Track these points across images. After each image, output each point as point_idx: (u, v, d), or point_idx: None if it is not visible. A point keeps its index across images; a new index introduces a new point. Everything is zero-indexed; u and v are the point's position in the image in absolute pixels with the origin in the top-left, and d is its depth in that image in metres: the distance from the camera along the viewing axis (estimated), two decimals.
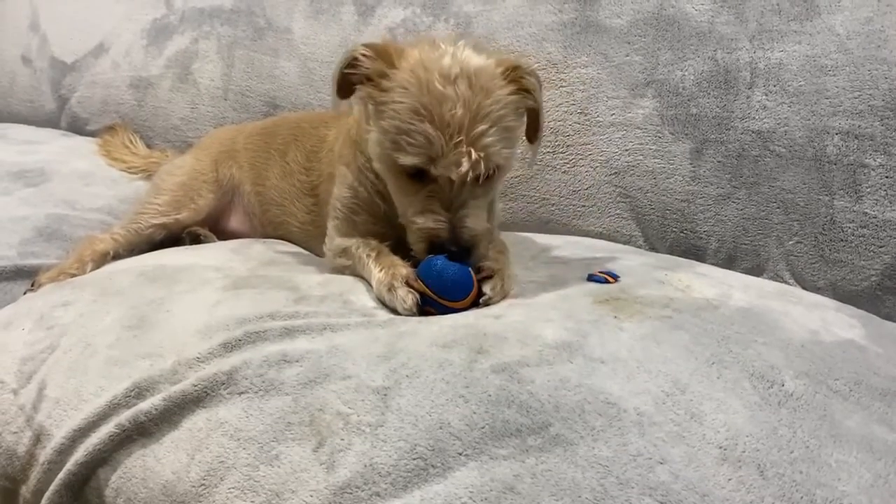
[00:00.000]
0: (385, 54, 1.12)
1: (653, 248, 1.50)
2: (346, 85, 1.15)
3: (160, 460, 0.93)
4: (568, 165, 1.56)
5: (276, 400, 0.92)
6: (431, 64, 1.09)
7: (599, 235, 1.54)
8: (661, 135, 1.46)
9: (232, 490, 0.86)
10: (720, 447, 0.80)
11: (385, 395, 0.88)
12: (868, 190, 1.27)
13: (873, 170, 1.27)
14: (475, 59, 1.11)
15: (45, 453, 1.00)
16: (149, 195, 1.67)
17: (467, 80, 1.06)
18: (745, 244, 1.40)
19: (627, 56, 1.50)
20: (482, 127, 1.05)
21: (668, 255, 1.43)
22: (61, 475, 0.98)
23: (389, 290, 1.09)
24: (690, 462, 0.78)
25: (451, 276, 1.08)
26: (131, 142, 2.16)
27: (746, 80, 1.38)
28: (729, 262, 1.41)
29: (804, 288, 1.32)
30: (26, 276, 1.46)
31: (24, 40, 2.52)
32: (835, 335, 1.04)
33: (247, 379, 0.95)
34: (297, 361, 0.96)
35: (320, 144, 1.49)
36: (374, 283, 1.13)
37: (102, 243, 1.49)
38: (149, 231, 1.57)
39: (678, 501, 0.74)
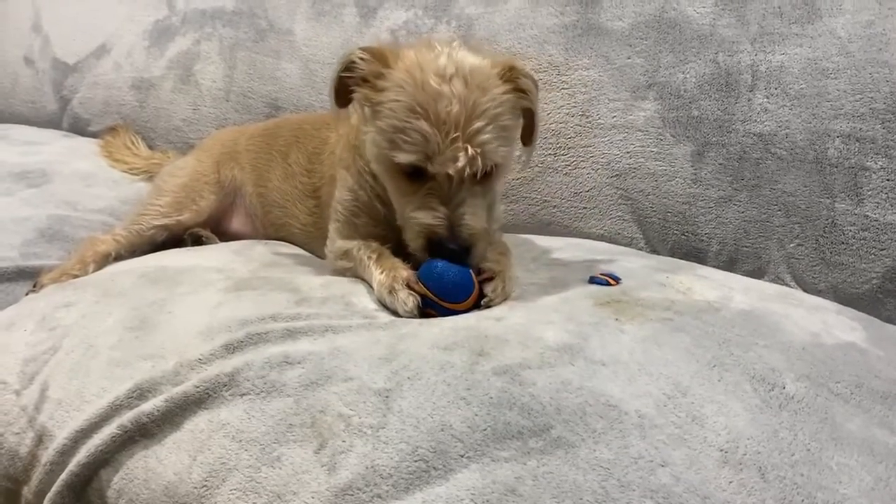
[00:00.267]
0: (381, 56, 1.12)
1: (654, 251, 1.50)
2: (343, 90, 1.16)
3: (162, 461, 0.93)
4: (569, 167, 1.56)
5: (278, 401, 0.92)
6: (427, 64, 1.09)
7: (601, 237, 1.54)
8: (662, 137, 1.46)
9: (234, 491, 0.86)
10: (721, 450, 0.80)
11: (386, 397, 0.88)
12: (869, 193, 1.28)
13: (874, 173, 1.27)
14: (471, 59, 1.12)
15: (47, 454, 1.01)
16: (150, 196, 1.67)
17: (463, 78, 1.07)
18: (746, 247, 1.40)
19: (629, 58, 1.50)
20: (478, 124, 1.06)
21: (670, 258, 1.43)
22: (63, 476, 0.98)
23: (390, 292, 1.09)
24: (692, 465, 0.78)
25: (451, 277, 1.09)
26: (133, 143, 2.16)
27: (748, 82, 1.38)
28: (730, 265, 1.42)
29: (805, 290, 1.32)
30: (28, 277, 1.46)
31: (27, 41, 2.52)
32: (836, 338, 1.04)
33: (248, 380, 0.95)
34: (298, 363, 0.96)
35: (322, 146, 1.49)
36: (374, 286, 1.13)
37: (104, 244, 1.49)
38: (150, 232, 1.57)
39: None
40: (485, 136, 1.06)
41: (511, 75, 1.12)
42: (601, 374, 0.89)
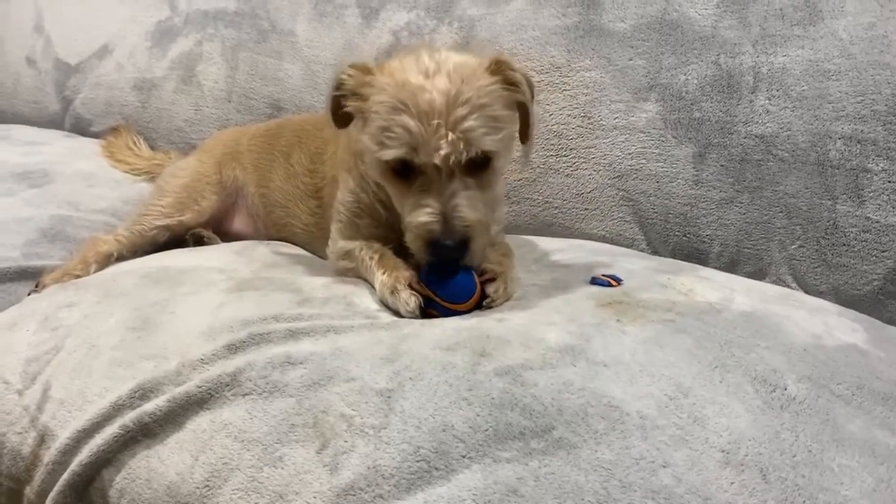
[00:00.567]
0: (365, 69, 1.14)
1: (655, 252, 1.50)
2: (339, 109, 1.17)
3: (164, 461, 0.93)
4: (571, 169, 1.56)
5: (280, 402, 0.92)
6: (409, 65, 1.11)
7: (602, 239, 1.54)
8: (664, 139, 1.46)
9: (236, 491, 0.86)
10: (723, 451, 0.80)
11: (388, 397, 0.88)
12: (870, 195, 1.28)
13: (876, 174, 1.27)
14: (455, 57, 1.12)
15: (49, 454, 1.01)
16: (152, 197, 1.67)
17: (446, 74, 1.07)
18: (747, 248, 1.40)
19: (631, 60, 1.50)
20: (461, 111, 1.05)
21: (671, 259, 1.43)
22: (65, 476, 0.98)
23: (392, 292, 1.10)
24: (693, 466, 0.78)
25: (453, 278, 1.09)
26: (135, 143, 2.16)
27: (749, 84, 1.38)
28: (731, 266, 1.42)
29: (806, 292, 1.32)
30: (30, 278, 1.46)
31: (29, 42, 2.53)
32: (837, 339, 1.04)
33: (251, 381, 0.95)
34: (300, 363, 0.96)
35: (324, 147, 1.50)
36: (377, 286, 1.14)
37: (106, 245, 1.49)
38: (152, 233, 1.58)
39: None
40: (468, 123, 1.05)
41: (498, 68, 1.12)
42: (603, 375, 0.89)
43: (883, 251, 1.27)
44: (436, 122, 1.04)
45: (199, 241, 1.61)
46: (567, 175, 1.57)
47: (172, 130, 2.19)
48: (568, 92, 1.57)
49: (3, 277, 1.45)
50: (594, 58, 1.54)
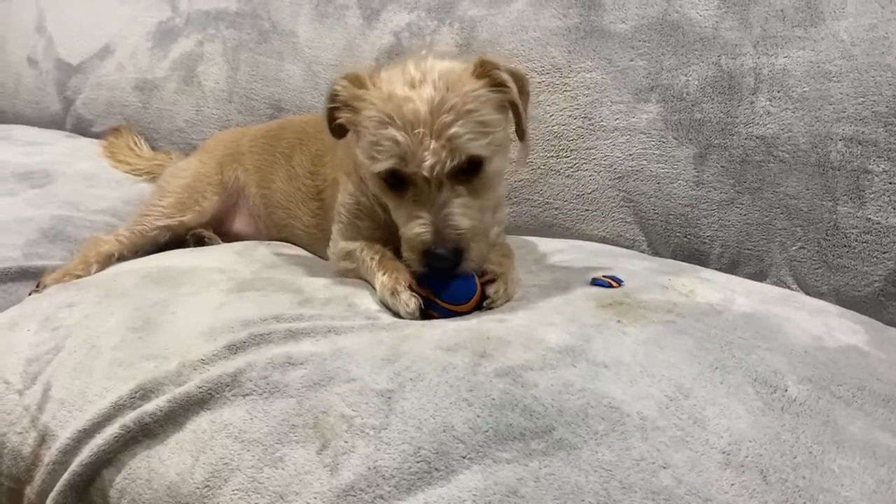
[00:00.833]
0: (358, 80, 1.14)
1: (656, 253, 1.50)
2: (335, 121, 1.18)
3: (164, 462, 0.93)
4: (571, 169, 1.56)
5: (281, 402, 0.92)
6: (396, 76, 1.11)
7: (603, 240, 1.54)
8: (664, 140, 1.46)
9: (236, 492, 0.86)
10: (723, 452, 0.80)
11: (389, 398, 0.88)
12: (871, 196, 1.28)
13: (877, 176, 1.27)
14: (441, 64, 1.12)
15: (49, 454, 1.01)
16: (153, 197, 1.67)
17: (431, 83, 1.07)
18: (748, 249, 1.40)
19: (631, 61, 1.50)
20: (446, 119, 1.05)
21: (672, 260, 1.43)
22: (66, 476, 0.98)
23: (392, 293, 1.10)
24: (693, 467, 0.78)
25: (453, 279, 1.09)
26: (136, 144, 2.16)
27: (750, 85, 1.38)
28: (732, 267, 1.42)
29: (807, 293, 1.32)
30: (31, 278, 1.46)
31: (30, 42, 2.53)
32: (838, 341, 1.04)
33: (251, 381, 0.95)
34: (301, 364, 0.96)
35: (325, 149, 1.50)
36: (377, 287, 1.14)
37: (107, 245, 1.49)
38: (153, 233, 1.58)
39: None
40: (453, 130, 1.05)
41: (484, 70, 1.11)
42: (603, 375, 0.89)
43: (884, 252, 1.27)
44: (421, 132, 1.04)
45: (200, 242, 1.61)
46: (568, 176, 1.57)
47: (173, 131, 2.20)
48: (569, 93, 1.57)
49: (4, 277, 1.46)
50: (595, 59, 1.54)
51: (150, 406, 0.97)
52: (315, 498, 0.82)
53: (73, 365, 1.08)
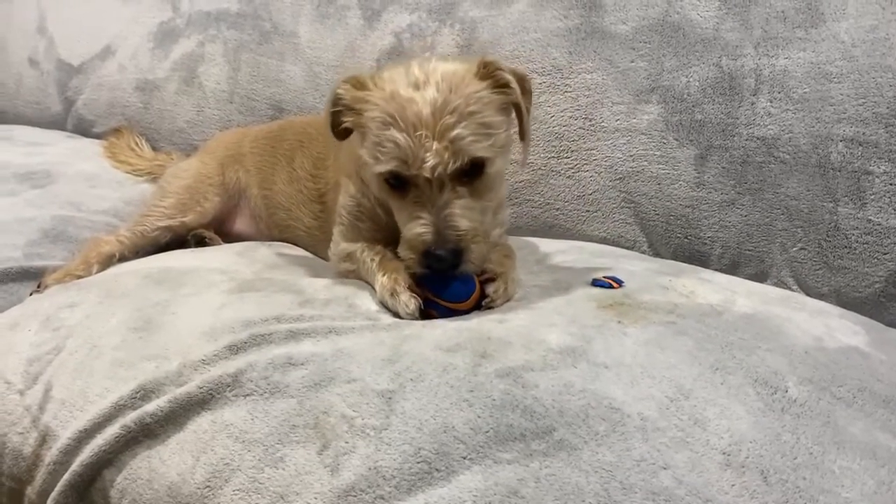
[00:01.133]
0: (360, 83, 1.14)
1: (657, 254, 1.50)
2: (338, 124, 1.18)
3: (165, 462, 0.93)
4: (572, 171, 1.56)
5: (281, 402, 0.92)
6: (399, 77, 1.11)
7: (603, 240, 1.54)
8: (665, 141, 1.46)
9: (237, 492, 0.86)
10: (724, 453, 0.80)
11: (389, 398, 0.88)
12: (872, 197, 1.28)
13: (877, 177, 1.27)
14: (444, 66, 1.12)
15: (50, 454, 1.01)
16: (154, 198, 1.67)
17: (434, 84, 1.07)
18: (748, 250, 1.40)
19: (632, 62, 1.50)
20: (448, 121, 1.05)
21: (672, 261, 1.43)
22: (67, 476, 0.98)
23: (392, 294, 1.10)
24: (694, 467, 0.78)
25: (453, 279, 1.09)
26: (137, 144, 2.17)
27: (751, 86, 1.38)
28: (733, 268, 1.42)
29: (808, 294, 1.32)
30: (32, 278, 1.46)
31: (32, 42, 2.53)
32: (838, 342, 1.04)
33: (252, 381, 0.95)
34: (301, 364, 0.96)
35: (327, 152, 1.50)
36: (377, 288, 1.14)
37: (108, 245, 1.49)
38: (154, 233, 1.58)
39: None
40: (456, 132, 1.05)
41: (487, 71, 1.11)
42: (604, 376, 0.89)
43: (884, 253, 1.27)
44: (423, 133, 1.05)
45: (201, 242, 1.61)
46: (568, 177, 1.57)
47: (174, 131, 2.20)
48: (569, 94, 1.57)
49: (5, 278, 1.46)
50: (596, 60, 1.54)
51: (151, 406, 0.97)
52: (316, 498, 0.82)
53: (74, 365, 1.08)
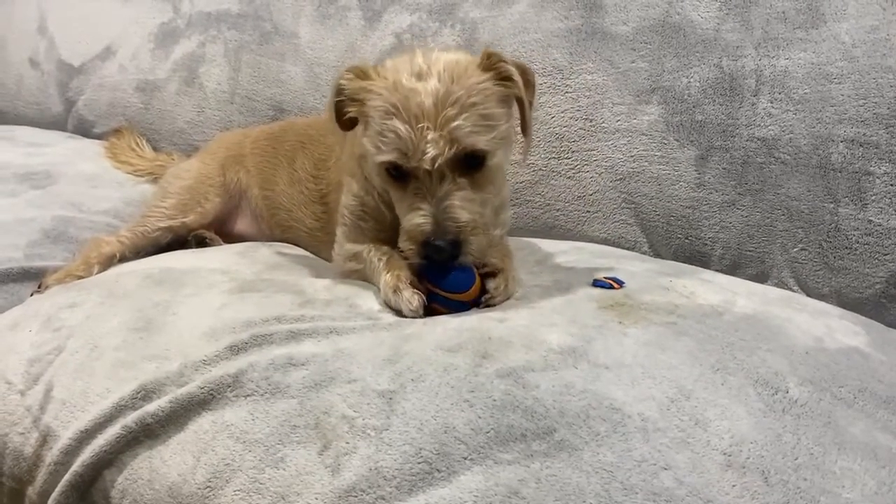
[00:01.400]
0: (363, 73, 1.15)
1: (657, 255, 1.50)
2: (342, 115, 1.18)
3: (166, 462, 0.93)
4: (573, 171, 1.56)
5: (282, 403, 0.92)
6: (402, 67, 1.11)
7: (604, 241, 1.54)
8: (666, 141, 1.46)
9: (237, 492, 0.86)
10: (724, 453, 0.80)
11: (390, 398, 0.88)
12: (873, 198, 1.28)
13: (878, 178, 1.27)
14: (447, 56, 1.12)
15: (51, 454, 1.01)
16: (155, 198, 1.68)
17: (437, 74, 1.07)
18: (749, 251, 1.40)
19: (633, 63, 1.50)
20: (450, 112, 1.05)
21: (673, 262, 1.43)
22: (67, 476, 0.98)
23: (395, 291, 1.10)
24: (695, 468, 0.78)
25: (452, 270, 1.09)
26: (137, 145, 2.17)
27: (752, 87, 1.38)
28: (733, 269, 1.42)
29: (808, 295, 1.32)
30: (33, 278, 1.46)
31: (32, 43, 2.53)
32: (839, 342, 1.04)
33: (252, 382, 0.95)
34: (302, 365, 0.96)
35: (328, 153, 1.50)
36: (380, 286, 1.14)
37: (109, 246, 1.49)
38: (155, 234, 1.58)
39: None
40: (457, 123, 1.05)
41: (490, 63, 1.12)
42: (604, 377, 0.89)
43: (885, 254, 1.27)
44: (424, 125, 1.05)
45: (202, 243, 1.61)
46: (569, 177, 1.57)
47: (175, 132, 2.20)
48: (570, 94, 1.57)
49: (6, 278, 1.46)
50: (596, 60, 1.54)
51: (152, 406, 0.97)
52: (316, 499, 0.82)
53: (75, 365, 1.08)
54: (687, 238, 1.46)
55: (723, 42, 1.42)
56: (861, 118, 1.28)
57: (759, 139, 1.37)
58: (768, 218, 1.37)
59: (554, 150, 1.58)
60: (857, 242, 1.29)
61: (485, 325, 1.02)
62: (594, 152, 1.54)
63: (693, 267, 1.36)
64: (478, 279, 1.11)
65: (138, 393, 0.99)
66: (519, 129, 1.21)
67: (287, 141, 1.62)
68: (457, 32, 1.71)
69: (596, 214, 1.55)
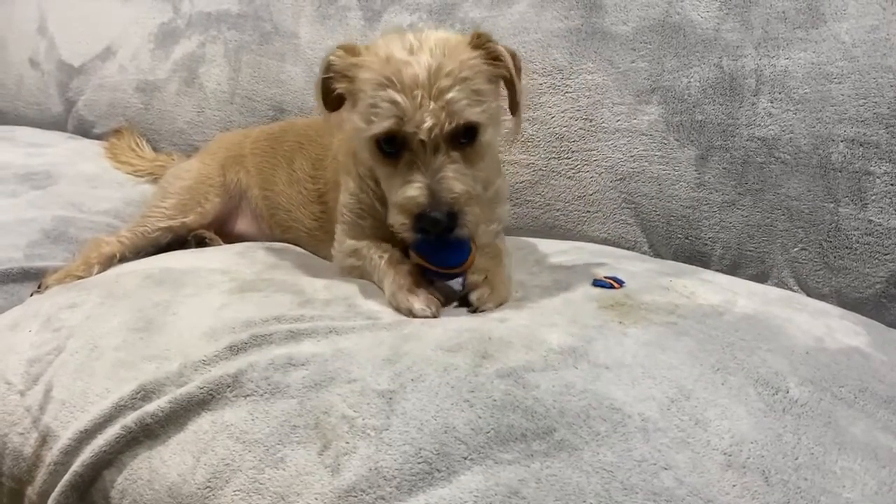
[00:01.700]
0: (352, 49, 1.16)
1: (657, 255, 1.50)
2: (330, 93, 1.18)
3: (166, 462, 0.93)
4: (573, 171, 1.56)
5: (282, 403, 0.92)
6: (393, 42, 1.12)
7: (604, 241, 1.54)
8: (666, 141, 1.46)
9: (237, 493, 0.86)
10: (725, 453, 0.80)
11: (390, 398, 0.88)
12: (873, 198, 1.27)
13: (878, 177, 1.27)
14: (437, 34, 1.13)
15: (51, 454, 1.01)
16: (155, 199, 1.68)
17: (429, 49, 1.08)
18: (749, 251, 1.40)
19: (633, 62, 1.50)
20: (444, 83, 1.06)
21: (673, 262, 1.43)
22: (67, 476, 0.98)
23: (403, 290, 1.10)
24: (695, 468, 0.78)
25: (447, 245, 1.10)
26: (138, 145, 2.17)
27: (752, 87, 1.38)
28: (733, 269, 1.42)
29: (809, 295, 1.32)
30: (33, 278, 1.46)
31: (32, 43, 2.53)
32: (839, 342, 1.04)
33: (252, 382, 0.95)
34: (302, 365, 0.96)
35: (325, 153, 1.50)
36: (386, 286, 1.14)
37: (109, 246, 1.49)
38: (155, 234, 1.58)
39: None
40: (451, 94, 1.06)
41: (479, 41, 1.13)
42: (605, 377, 0.89)
43: (885, 254, 1.27)
44: (420, 93, 1.05)
45: (202, 243, 1.61)
46: (569, 177, 1.57)
47: (175, 132, 2.20)
48: (570, 94, 1.57)
49: (6, 278, 1.46)
50: (596, 60, 1.54)
51: (152, 406, 0.97)
52: (316, 499, 0.82)
53: (75, 366, 1.08)
54: (687, 238, 1.46)
55: (723, 42, 1.42)
56: (861, 118, 1.28)
57: (759, 139, 1.37)
58: (768, 218, 1.37)
59: (554, 150, 1.58)
60: (858, 242, 1.29)
61: (485, 326, 1.02)
62: (594, 152, 1.54)
63: (693, 267, 1.36)
64: (473, 249, 1.11)
65: (138, 393, 0.99)
66: (507, 109, 1.21)
67: (286, 141, 1.62)
68: (457, 33, 1.71)
69: (596, 214, 1.55)
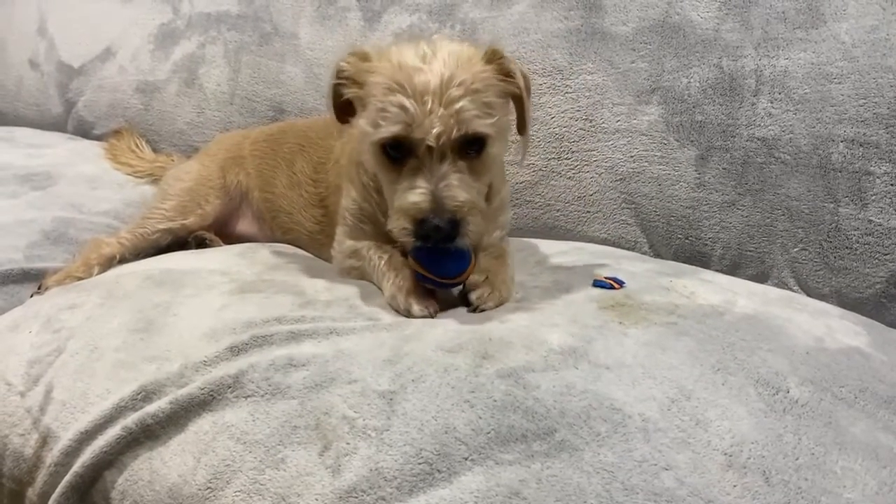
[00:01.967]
0: (364, 55, 1.15)
1: (658, 255, 1.50)
2: (339, 100, 1.18)
3: (166, 463, 0.93)
4: (573, 171, 1.56)
5: (283, 404, 0.92)
6: (407, 50, 1.11)
7: (604, 241, 1.54)
8: (666, 141, 1.46)
9: (238, 493, 0.86)
10: (725, 453, 0.80)
11: (391, 399, 0.88)
12: (873, 198, 1.28)
13: (878, 178, 1.27)
14: (450, 45, 1.13)
15: (51, 455, 1.01)
16: (156, 200, 1.67)
17: (441, 59, 1.08)
18: (749, 251, 1.40)
19: (633, 63, 1.50)
20: (455, 92, 1.05)
21: (673, 262, 1.43)
22: (68, 477, 0.98)
23: (402, 292, 1.10)
24: (695, 468, 0.78)
25: (448, 254, 1.09)
26: (137, 146, 2.17)
27: (752, 87, 1.38)
28: (733, 269, 1.42)
29: (809, 295, 1.32)
30: (33, 279, 1.46)
31: (32, 44, 2.53)
32: (840, 342, 1.04)
33: (253, 382, 0.95)
34: (303, 365, 0.96)
35: (327, 156, 1.49)
36: (386, 288, 1.14)
37: (109, 247, 1.49)
38: (155, 236, 1.57)
39: None
40: (461, 104, 1.05)
41: (493, 56, 1.13)
42: (605, 377, 0.89)
43: (885, 254, 1.27)
44: (430, 100, 1.05)
45: (202, 244, 1.61)
46: (569, 178, 1.57)
47: (175, 133, 2.20)
48: (570, 95, 1.57)
49: (6, 279, 1.45)
50: (596, 61, 1.54)
51: (152, 407, 0.97)
52: (317, 499, 0.82)
53: (75, 366, 1.08)
54: (687, 238, 1.46)
55: (723, 42, 1.42)
56: (861, 118, 1.28)
57: (759, 139, 1.37)
58: (768, 218, 1.37)
59: (554, 150, 1.58)
60: (858, 242, 1.29)
61: (485, 326, 1.02)
62: (594, 152, 1.54)
63: (693, 267, 1.36)
64: (473, 259, 1.10)
65: (138, 394, 0.99)
66: (515, 128, 1.21)
67: (286, 143, 1.62)
68: (456, 33, 1.71)
69: (596, 215, 1.55)
